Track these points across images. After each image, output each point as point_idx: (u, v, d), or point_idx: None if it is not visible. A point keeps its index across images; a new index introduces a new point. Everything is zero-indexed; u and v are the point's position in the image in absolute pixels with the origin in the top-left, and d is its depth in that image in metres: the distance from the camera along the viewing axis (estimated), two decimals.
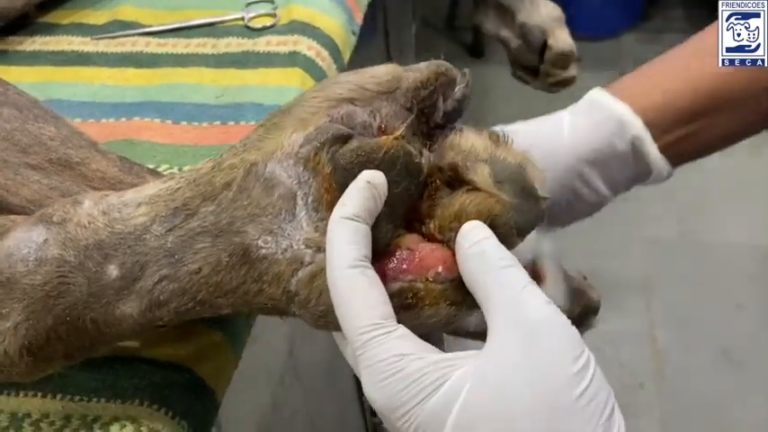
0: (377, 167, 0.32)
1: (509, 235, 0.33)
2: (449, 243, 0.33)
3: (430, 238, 0.33)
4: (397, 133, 0.33)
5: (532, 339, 0.29)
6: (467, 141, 0.34)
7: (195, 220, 0.33)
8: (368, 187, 0.31)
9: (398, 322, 0.31)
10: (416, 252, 0.33)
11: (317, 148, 0.32)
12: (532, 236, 0.35)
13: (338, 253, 0.31)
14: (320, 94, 0.34)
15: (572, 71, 0.92)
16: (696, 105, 0.44)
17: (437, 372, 0.29)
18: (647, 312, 1.60)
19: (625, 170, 0.46)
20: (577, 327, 0.45)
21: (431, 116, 0.35)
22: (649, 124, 0.46)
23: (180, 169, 0.53)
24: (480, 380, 0.29)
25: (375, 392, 0.30)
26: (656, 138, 0.47)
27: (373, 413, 1.05)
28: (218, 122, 0.57)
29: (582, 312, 0.43)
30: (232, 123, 0.57)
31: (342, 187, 0.32)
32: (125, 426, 0.38)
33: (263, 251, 0.33)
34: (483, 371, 0.29)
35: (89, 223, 0.33)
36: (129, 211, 0.34)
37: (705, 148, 0.48)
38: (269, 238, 0.33)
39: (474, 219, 0.33)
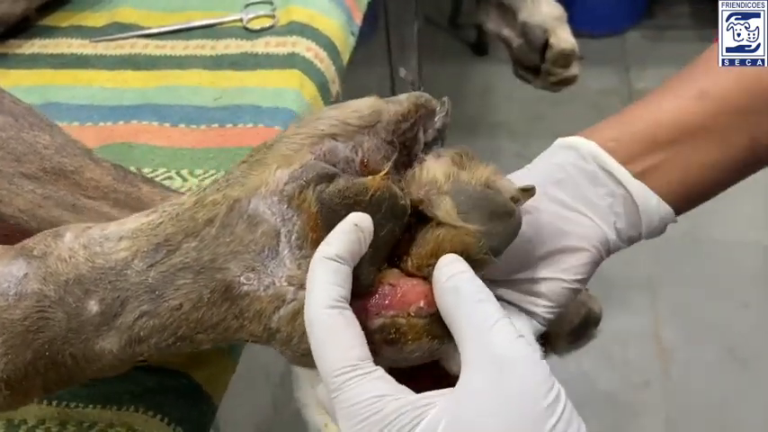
0: (364, 210, 0.32)
1: (485, 261, 0.33)
2: (428, 278, 0.33)
3: (410, 273, 0.34)
4: (383, 173, 0.33)
5: (502, 376, 0.30)
6: (428, 174, 0.34)
7: (177, 255, 0.33)
8: (355, 230, 0.31)
9: (382, 357, 0.32)
10: (398, 287, 0.33)
11: (302, 186, 0.32)
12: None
13: (317, 292, 0.31)
14: (303, 131, 0.34)
15: (574, 70, 0.92)
16: (659, 133, 0.41)
17: (414, 411, 0.29)
18: (652, 311, 1.59)
19: (600, 190, 0.41)
20: (578, 338, 0.45)
21: (412, 148, 0.35)
22: (609, 152, 0.41)
23: (178, 173, 0.53)
24: (454, 417, 0.29)
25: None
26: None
27: None
28: (215, 125, 0.57)
29: (583, 323, 0.43)
30: (230, 126, 0.57)
31: (328, 227, 0.32)
32: None
33: (245, 288, 0.32)
34: (456, 408, 0.30)
35: (69, 257, 0.33)
36: (110, 245, 0.33)
37: (698, 180, 0.44)
38: (251, 275, 0.32)
39: (449, 253, 0.33)
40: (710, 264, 1.66)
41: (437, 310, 0.32)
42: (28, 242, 0.34)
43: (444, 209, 0.33)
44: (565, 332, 0.41)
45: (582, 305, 0.42)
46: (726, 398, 1.43)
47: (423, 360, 0.33)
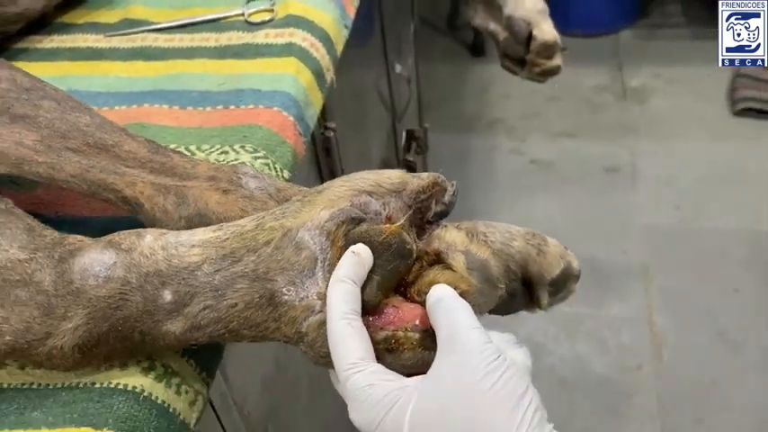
0: (377, 248, 0.41)
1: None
2: (424, 303, 0.41)
3: (412, 300, 0.43)
4: (398, 224, 0.42)
5: (461, 360, 0.38)
6: (449, 235, 0.44)
7: (239, 265, 0.41)
8: (354, 256, 0.40)
9: (384, 362, 0.40)
10: (400, 309, 0.42)
11: (337, 225, 0.41)
12: (507, 344, 0.44)
13: (333, 307, 0.39)
14: (347, 184, 0.43)
15: (557, 60, 0.97)
16: None
17: (395, 393, 0.38)
18: (645, 297, 1.64)
19: None
20: (559, 290, 0.50)
21: (425, 213, 0.45)
22: None
23: (186, 149, 0.58)
24: (423, 393, 0.38)
25: (354, 413, 0.39)
26: None
27: None
28: (220, 107, 0.63)
29: (562, 275, 0.48)
30: (233, 107, 0.63)
31: None
32: (140, 361, 0.43)
33: (285, 297, 0.41)
34: (424, 386, 0.38)
35: (150, 254, 0.41)
36: (184, 249, 0.41)
37: None
38: (291, 288, 0.41)
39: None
40: (702, 251, 1.70)
41: (429, 328, 0.41)
42: (115, 237, 0.41)
43: (458, 261, 0.43)
44: (546, 282, 0.46)
45: (561, 258, 0.48)
46: (716, 380, 1.47)
47: (418, 367, 0.41)
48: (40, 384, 0.42)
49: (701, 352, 1.52)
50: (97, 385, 0.42)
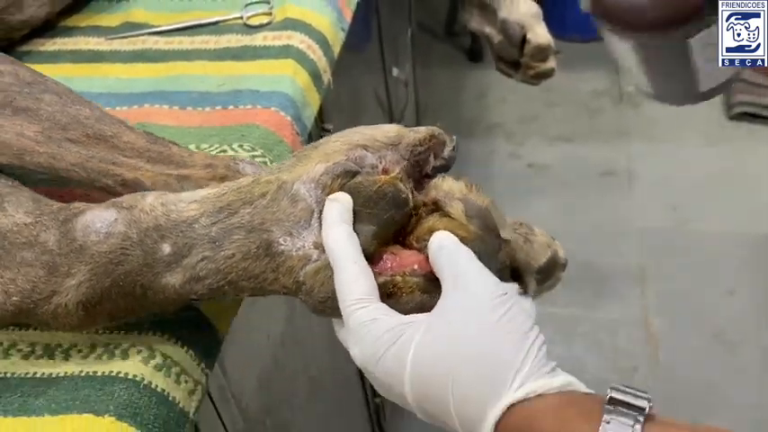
0: (370, 197, 0.42)
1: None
2: (423, 249, 0.42)
3: (410, 247, 0.43)
4: (392, 175, 0.43)
5: (468, 296, 0.38)
6: (447, 184, 0.44)
7: (236, 217, 0.41)
8: (333, 202, 0.41)
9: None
10: (398, 255, 0.42)
11: (332, 178, 0.42)
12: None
13: (336, 249, 0.40)
14: (342, 139, 0.44)
15: (551, 63, 0.99)
16: None
17: (400, 328, 0.38)
18: (641, 299, 1.65)
19: None
20: (547, 277, 0.51)
21: (423, 167, 0.45)
22: None
23: (186, 146, 0.59)
24: (428, 326, 0.38)
25: (355, 348, 0.39)
26: None
27: (375, 394, 1.11)
28: (219, 107, 0.64)
29: (550, 262, 0.49)
30: (231, 107, 0.64)
31: None
32: (141, 351, 0.44)
33: (282, 247, 0.41)
34: (430, 320, 0.38)
35: (150, 211, 0.42)
36: (183, 205, 0.42)
37: None
38: (288, 238, 0.41)
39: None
40: (697, 253, 1.72)
41: (426, 272, 0.41)
42: (119, 198, 0.43)
43: (456, 208, 0.42)
44: (533, 270, 0.48)
45: (548, 247, 0.49)
46: (712, 381, 1.48)
47: (415, 310, 0.41)
48: (43, 373, 0.44)
49: (698, 354, 1.53)
50: (99, 373, 0.43)
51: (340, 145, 0.43)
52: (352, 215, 0.41)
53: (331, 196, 0.41)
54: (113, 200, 0.43)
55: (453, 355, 0.37)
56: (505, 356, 0.36)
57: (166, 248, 0.41)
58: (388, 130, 0.44)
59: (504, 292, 0.38)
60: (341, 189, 0.42)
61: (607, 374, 1.51)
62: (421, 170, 0.45)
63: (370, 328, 0.38)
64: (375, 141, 0.44)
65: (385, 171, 0.43)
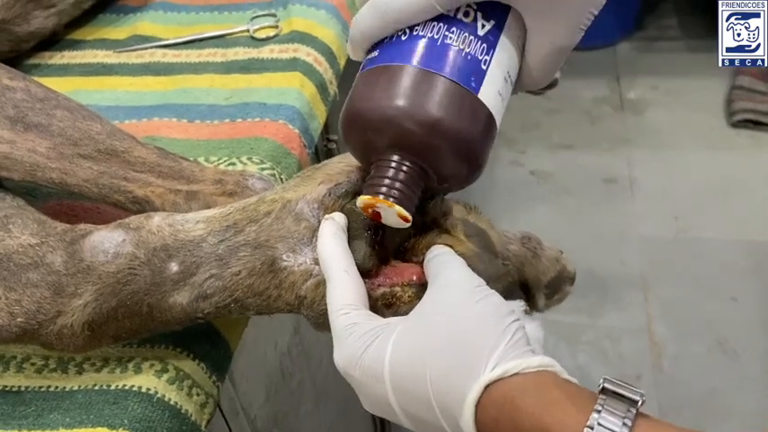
0: (366, 218, 0.42)
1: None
2: (422, 263, 0.43)
3: (410, 261, 0.44)
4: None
5: (441, 287, 0.39)
6: (446, 205, 0.45)
7: (242, 235, 0.43)
8: (327, 220, 0.42)
9: (382, 317, 0.40)
10: (397, 268, 0.43)
11: (334, 200, 0.43)
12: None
13: (327, 261, 0.41)
14: (345, 160, 0.45)
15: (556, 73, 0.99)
16: None
17: (378, 328, 0.38)
18: (644, 307, 1.65)
19: None
20: (555, 291, 0.51)
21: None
22: None
23: (194, 160, 0.60)
24: (406, 323, 0.38)
25: (336, 354, 0.39)
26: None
27: None
28: (227, 120, 0.65)
29: (558, 277, 0.49)
30: (240, 120, 0.65)
31: None
32: (153, 364, 0.45)
33: (285, 263, 0.42)
34: (407, 319, 0.38)
35: (158, 231, 0.42)
36: (189, 225, 0.43)
37: None
38: (291, 255, 0.42)
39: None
40: (700, 261, 1.72)
41: (424, 283, 0.41)
42: (125, 219, 0.43)
43: (455, 227, 0.43)
44: (542, 284, 0.48)
45: (557, 261, 0.49)
46: (716, 389, 1.48)
47: None
48: (57, 387, 0.44)
49: (701, 361, 1.53)
50: (112, 387, 0.43)
51: (343, 166, 0.45)
52: (345, 233, 0.42)
53: (326, 216, 0.43)
54: (120, 221, 0.43)
55: (428, 346, 0.36)
56: (480, 340, 0.35)
57: (174, 267, 0.42)
58: None
59: (481, 284, 0.38)
60: (341, 209, 0.43)
61: None
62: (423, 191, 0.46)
63: (350, 332, 0.38)
64: None
65: None
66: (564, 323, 1.59)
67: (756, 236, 1.75)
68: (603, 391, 0.34)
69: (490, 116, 0.40)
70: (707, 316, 1.61)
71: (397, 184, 0.39)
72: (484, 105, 0.39)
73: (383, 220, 0.41)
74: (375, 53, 0.41)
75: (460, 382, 0.35)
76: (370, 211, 0.41)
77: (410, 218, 0.40)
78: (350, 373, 0.39)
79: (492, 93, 0.40)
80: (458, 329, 0.36)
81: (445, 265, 0.40)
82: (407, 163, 0.39)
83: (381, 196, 0.39)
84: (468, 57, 0.39)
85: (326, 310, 0.41)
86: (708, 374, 1.50)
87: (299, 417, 0.77)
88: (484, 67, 0.39)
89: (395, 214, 0.40)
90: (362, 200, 0.40)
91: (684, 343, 1.57)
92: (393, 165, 0.39)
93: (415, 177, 0.40)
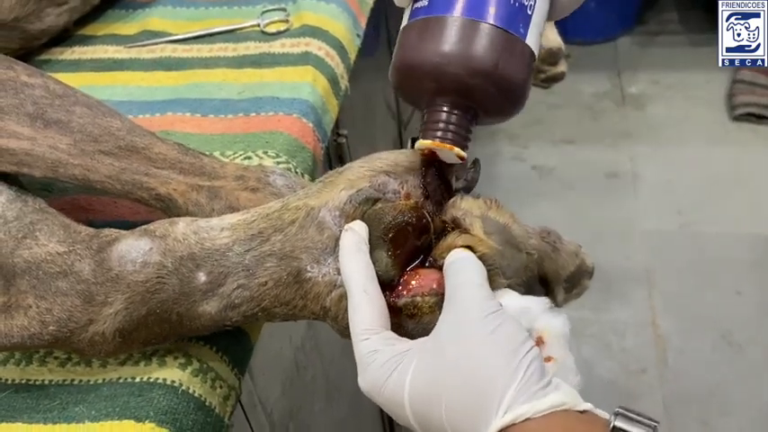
0: (388, 224, 0.42)
1: (495, 275, 0.42)
2: (441, 268, 0.42)
3: (432, 266, 0.43)
4: (412, 201, 0.44)
5: (459, 313, 0.39)
6: (466, 203, 0.44)
7: (267, 245, 0.42)
8: (348, 232, 0.42)
9: (406, 328, 0.41)
10: (419, 277, 0.43)
11: (354, 207, 0.43)
12: (543, 309, 0.42)
13: (348, 278, 0.41)
14: (366, 165, 0.45)
15: (561, 67, 0.99)
16: None
17: (397, 357, 0.38)
18: (649, 301, 1.66)
19: None
20: (574, 286, 0.51)
21: (445, 190, 0.46)
22: None
23: (211, 154, 0.60)
24: (422, 353, 0.38)
25: (360, 378, 0.40)
26: None
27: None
28: (241, 114, 0.65)
29: (577, 271, 0.49)
30: (253, 114, 0.64)
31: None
32: (177, 357, 0.45)
33: (309, 275, 0.42)
34: (424, 347, 0.39)
35: (184, 239, 0.42)
36: (214, 233, 0.43)
37: None
38: (315, 265, 0.42)
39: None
40: (703, 255, 1.72)
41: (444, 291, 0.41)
42: (149, 226, 0.43)
43: (476, 225, 0.43)
44: (562, 279, 0.48)
45: (575, 255, 0.49)
46: (720, 382, 1.48)
47: None
48: (81, 380, 0.44)
49: (705, 355, 1.54)
50: (137, 380, 0.43)
51: (364, 171, 0.44)
52: (366, 244, 0.42)
53: (347, 226, 0.42)
54: (144, 227, 0.43)
55: (442, 381, 0.37)
56: (491, 383, 0.36)
57: (202, 277, 0.42)
58: (410, 155, 0.45)
59: (497, 309, 0.38)
60: (362, 216, 0.43)
61: (616, 377, 1.52)
62: (443, 194, 0.46)
63: (372, 359, 0.39)
64: (397, 166, 0.45)
65: (407, 195, 0.44)
66: (569, 317, 1.59)
67: (760, 229, 1.75)
68: (615, 430, 0.35)
69: (533, 56, 0.44)
70: (711, 309, 1.61)
71: (451, 127, 0.43)
72: (530, 48, 0.43)
73: (440, 157, 0.44)
74: (424, 1, 0.43)
75: (474, 422, 0.36)
76: (427, 151, 0.44)
77: (465, 156, 0.43)
78: (374, 398, 0.40)
79: (535, 35, 0.44)
80: (471, 366, 0.36)
81: (457, 277, 0.40)
82: (460, 107, 0.43)
83: (438, 140, 0.43)
84: (517, 4, 0.42)
85: (349, 324, 0.41)
86: (712, 368, 1.51)
87: (313, 411, 0.77)
88: (530, 12, 0.43)
89: (453, 155, 0.43)
90: (422, 143, 0.43)
91: (689, 337, 1.58)
92: (445, 109, 0.43)
93: (468, 119, 0.43)
